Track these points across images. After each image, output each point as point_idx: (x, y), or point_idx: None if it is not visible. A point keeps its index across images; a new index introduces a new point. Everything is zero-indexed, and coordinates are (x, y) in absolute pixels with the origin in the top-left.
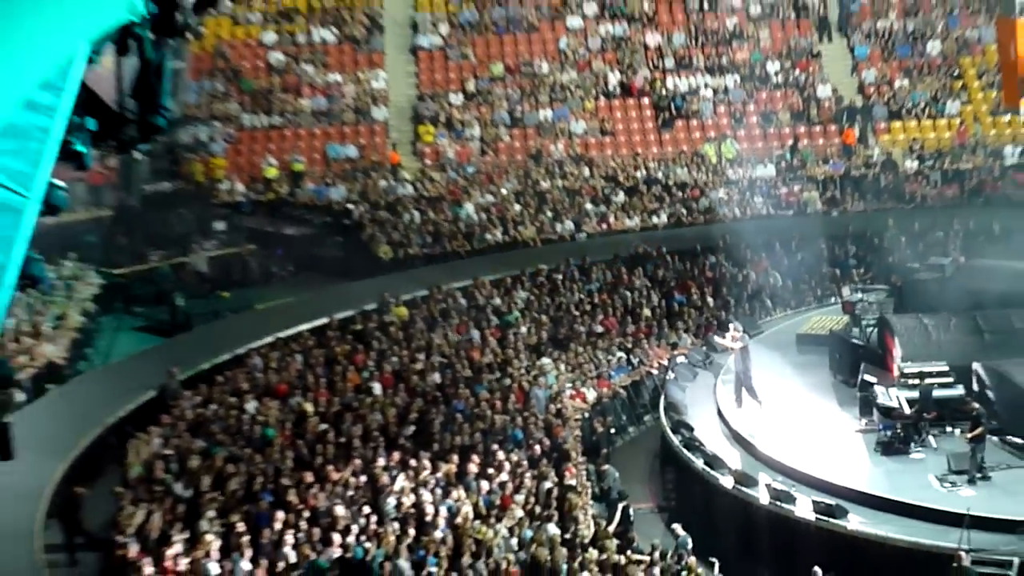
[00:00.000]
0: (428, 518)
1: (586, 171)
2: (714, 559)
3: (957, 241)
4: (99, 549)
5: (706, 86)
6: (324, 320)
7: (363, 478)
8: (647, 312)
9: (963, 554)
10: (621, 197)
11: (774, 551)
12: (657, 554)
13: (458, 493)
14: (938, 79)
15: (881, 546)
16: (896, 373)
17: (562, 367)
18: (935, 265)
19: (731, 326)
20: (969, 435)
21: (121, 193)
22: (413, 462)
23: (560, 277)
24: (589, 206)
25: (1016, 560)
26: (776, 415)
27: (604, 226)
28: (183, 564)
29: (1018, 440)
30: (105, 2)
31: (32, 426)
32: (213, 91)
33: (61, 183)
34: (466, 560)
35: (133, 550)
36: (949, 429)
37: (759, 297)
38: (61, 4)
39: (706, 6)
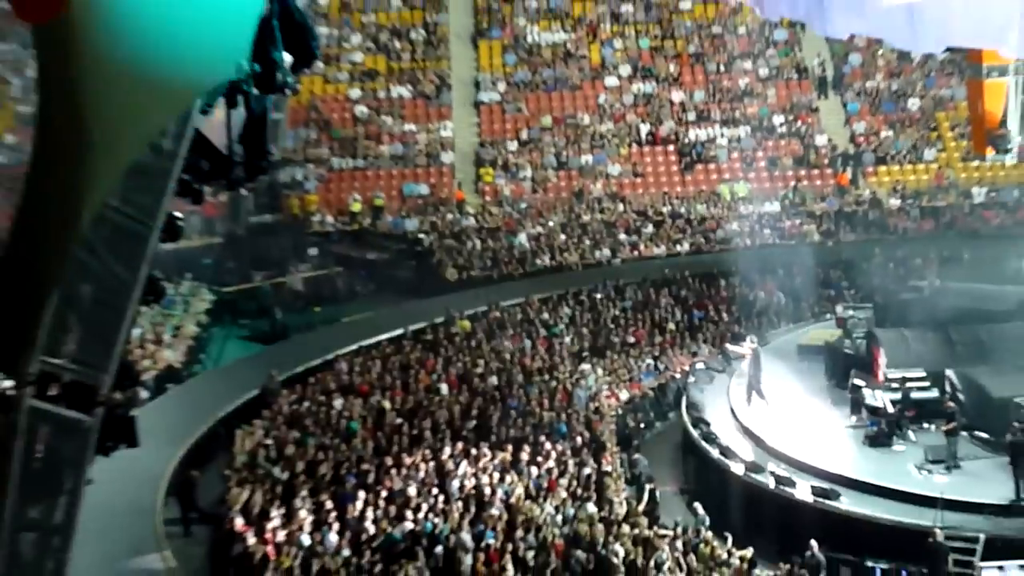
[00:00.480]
0: (486, 498)
1: (620, 207)
2: (727, 534)
3: (933, 267)
4: (210, 523)
5: (722, 136)
6: (399, 331)
7: (432, 464)
8: (671, 326)
9: (937, 531)
10: (650, 229)
11: (778, 528)
12: (679, 529)
13: (512, 477)
14: (918, 130)
15: (868, 524)
16: (881, 378)
17: (600, 371)
18: (914, 287)
19: (746, 338)
20: (945, 428)
21: (230, 223)
22: (474, 451)
23: (598, 296)
24: (623, 236)
25: (982, 536)
26: (780, 413)
27: (635, 253)
28: (280, 536)
29: (983, 435)
30: (217, 62)
31: (154, 419)
32: (307, 138)
33: (179, 214)
34: (518, 534)
35: (238, 524)
36: (926, 426)
37: (766, 313)
38: (182, 64)
39: (722, 68)
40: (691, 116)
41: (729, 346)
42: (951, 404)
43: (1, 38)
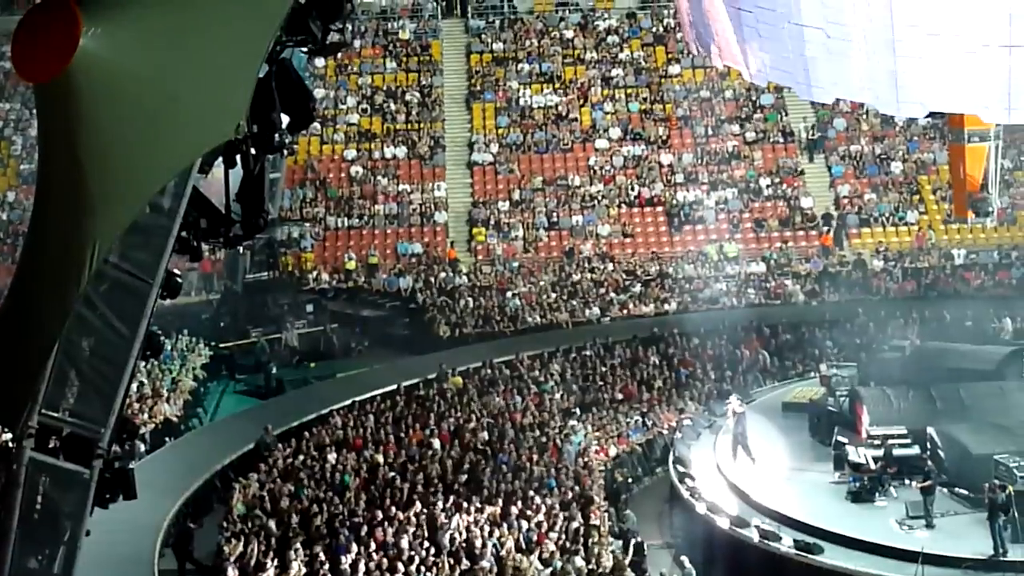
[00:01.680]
0: (477, 551)
1: (610, 266)
2: None
3: (915, 327)
4: (206, 575)
5: (709, 197)
6: (393, 386)
7: (424, 517)
8: (659, 383)
9: None
10: (638, 288)
11: None
12: None
13: (502, 530)
14: (900, 193)
15: None
16: (864, 435)
17: (589, 427)
18: (897, 347)
19: (732, 396)
20: (920, 486)
21: (227, 280)
22: (465, 504)
23: (588, 353)
24: (612, 295)
25: None
26: (765, 468)
27: (624, 312)
28: None
29: (964, 491)
30: (215, 123)
31: (151, 472)
32: (304, 197)
33: (178, 271)
34: None
35: (233, 575)
36: (907, 482)
37: (751, 371)
38: (181, 125)
39: (710, 132)
40: (679, 178)
41: (714, 403)
42: (928, 462)
43: (4, 97)
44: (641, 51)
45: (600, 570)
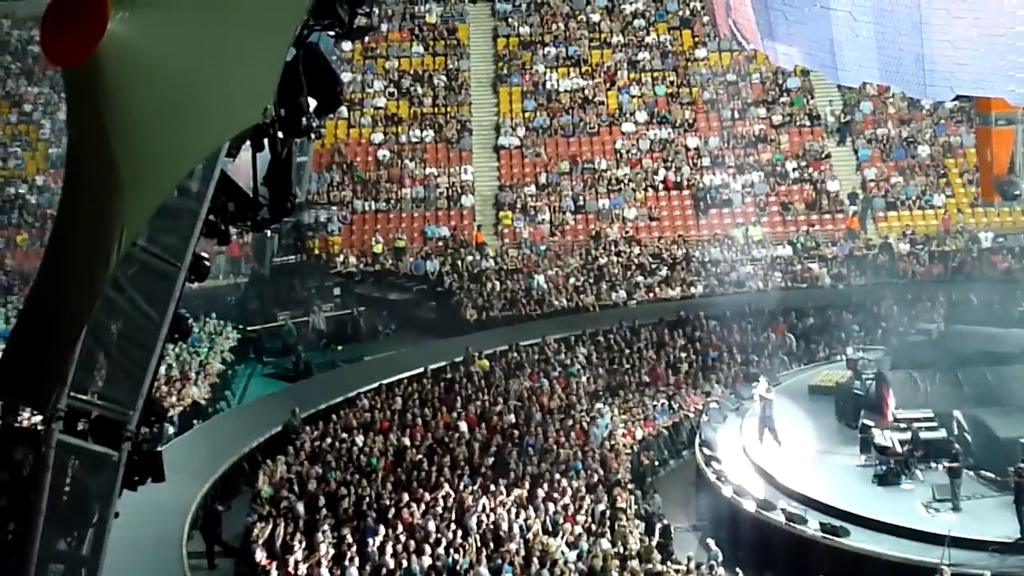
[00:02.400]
0: (504, 533)
1: (636, 250)
2: (739, 569)
3: (941, 310)
4: (233, 556)
5: (735, 180)
6: (420, 370)
7: (451, 500)
8: (685, 366)
9: (944, 568)
10: (665, 271)
11: (788, 563)
12: (692, 564)
13: (528, 512)
14: (927, 176)
15: (877, 560)
16: (890, 418)
17: (615, 410)
18: (923, 330)
19: (760, 379)
20: (948, 467)
21: (255, 264)
22: (492, 487)
23: (614, 336)
24: (639, 278)
25: (988, 573)
26: (791, 451)
27: (651, 295)
28: (302, 569)
29: (990, 475)
30: (243, 107)
31: (179, 455)
32: (331, 181)
33: (206, 254)
34: (534, 568)
35: (261, 557)
36: (934, 465)
37: (778, 354)
38: (209, 108)
39: (737, 115)
40: (705, 162)
41: (740, 386)
42: (955, 445)
43: (33, 81)
44: (668, 35)
45: (626, 552)
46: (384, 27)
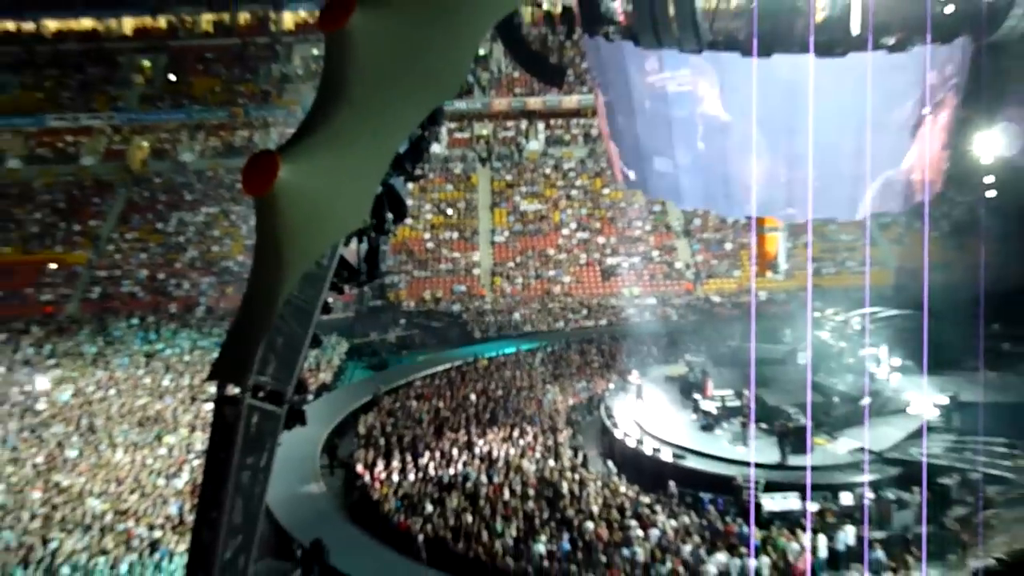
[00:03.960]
0: (495, 457)
1: (569, 300)
2: (623, 476)
3: (737, 335)
4: (344, 468)
5: (624, 262)
6: (448, 365)
7: (465, 439)
8: (596, 364)
9: (739, 477)
10: (585, 312)
11: (652, 476)
12: (598, 475)
13: (508, 445)
14: (730, 260)
15: (703, 473)
16: (709, 395)
17: (557, 389)
18: (728, 345)
19: (635, 371)
20: (741, 422)
21: (357, 305)
22: (488, 432)
23: (557, 347)
24: (571, 315)
25: (762, 481)
26: (654, 412)
27: (578, 325)
28: (382, 475)
29: (764, 426)
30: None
31: (314, 411)
32: (398, 259)
33: (331, 299)
34: (511, 476)
35: (360, 469)
36: (733, 421)
37: (647, 358)
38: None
39: (627, 225)
40: (608, 252)
41: (625, 375)
42: (745, 409)
43: (236, 201)
44: (588, 180)
45: (561, 467)
46: (431, 175)
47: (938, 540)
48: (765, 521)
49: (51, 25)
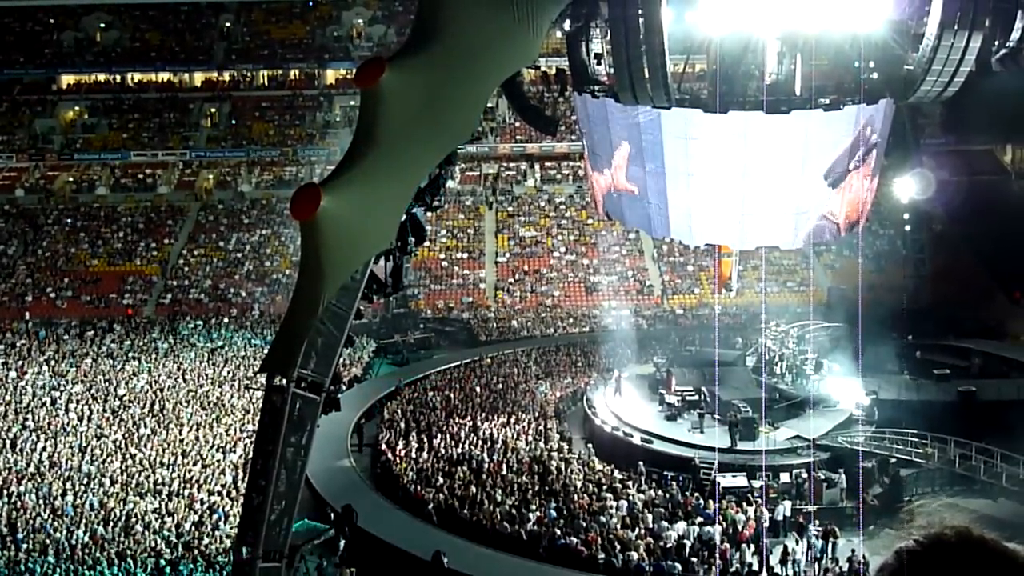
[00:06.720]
0: (495, 439)
1: (559, 311)
2: (598, 457)
3: (697, 341)
4: (371, 447)
5: (605, 279)
6: (458, 363)
7: (470, 424)
8: (580, 363)
9: (696, 458)
10: (572, 320)
11: (625, 457)
12: (580, 455)
13: (506, 430)
14: (692, 280)
15: (667, 454)
16: (673, 390)
17: (548, 383)
18: (689, 349)
19: (614, 368)
20: (699, 413)
21: (383, 312)
22: (490, 418)
23: (548, 349)
24: (559, 323)
25: (716, 461)
26: (628, 403)
27: (564, 331)
28: (402, 453)
29: (719, 417)
30: (381, 241)
31: (347, 400)
32: (419, 275)
33: (362, 307)
34: (508, 455)
35: (384, 448)
36: (692, 412)
37: (623, 358)
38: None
39: (607, 249)
40: (591, 270)
41: (606, 372)
42: (703, 403)
43: (285, 225)
44: (576, 212)
45: (551, 448)
46: (446, 206)
47: (859, 512)
48: (718, 495)
49: (135, 77)
